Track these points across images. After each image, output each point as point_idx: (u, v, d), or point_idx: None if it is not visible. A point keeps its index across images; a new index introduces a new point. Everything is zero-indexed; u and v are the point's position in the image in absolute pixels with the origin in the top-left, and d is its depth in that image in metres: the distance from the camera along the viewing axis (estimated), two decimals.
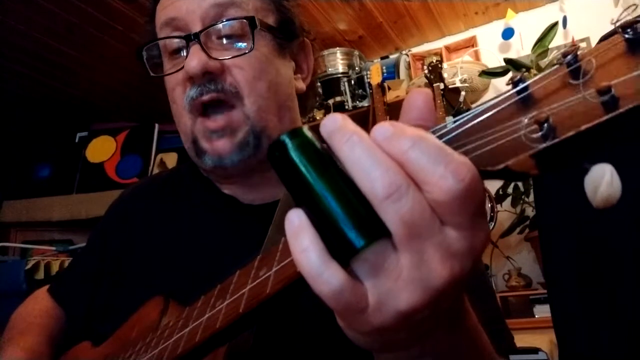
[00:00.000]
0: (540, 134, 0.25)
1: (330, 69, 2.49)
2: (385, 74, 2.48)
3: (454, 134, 0.29)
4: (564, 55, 0.27)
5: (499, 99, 0.29)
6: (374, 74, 2.39)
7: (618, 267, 0.82)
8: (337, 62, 2.51)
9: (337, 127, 0.29)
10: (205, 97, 0.65)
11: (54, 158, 2.69)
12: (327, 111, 2.47)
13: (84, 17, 2.06)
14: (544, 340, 1.70)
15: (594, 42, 2.26)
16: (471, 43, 2.58)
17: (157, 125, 2.62)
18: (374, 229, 0.27)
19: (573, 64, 0.26)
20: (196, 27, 0.65)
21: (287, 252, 0.31)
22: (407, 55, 2.61)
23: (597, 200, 0.24)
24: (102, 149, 2.64)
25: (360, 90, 2.48)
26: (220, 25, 0.66)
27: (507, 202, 2.15)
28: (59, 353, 0.77)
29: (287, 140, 0.29)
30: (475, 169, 0.27)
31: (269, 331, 0.54)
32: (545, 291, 1.89)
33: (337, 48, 2.54)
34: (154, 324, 0.58)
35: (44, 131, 2.79)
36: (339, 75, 2.49)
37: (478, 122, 0.29)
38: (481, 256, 0.34)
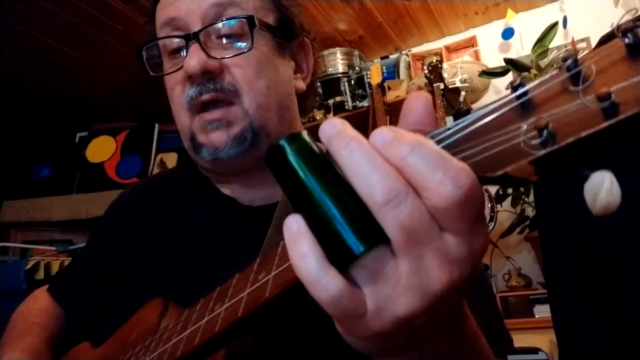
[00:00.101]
0: (539, 140, 0.25)
1: (330, 69, 2.49)
2: (385, 74, 2.47)
3: (453, 139, 0.29)
4: (564, 59, 0.27)
5: (498, 103, 0.28)
6: (374, 74, 2.39)
7: (618, 267, 0.81)
8: (337, 62, 2.50)
9: (336, 132, 0.29)
10: (205, 97, 0.65)
11: (54, 158, 2.69)
12: (327, 111, 2.47)
13: (84, 17, 2.06)
14: (544, 340, 1.70)
15: (593, 42, 2.26)
16: (471, 43, 2.57)
17: (157, 125, 2.62)
18: (373, 235, 0.27)
19: (573, 68, 0.26)
20: (196, 27, 0.65)
21: (286, 256, 0.30)
22: (407, 55, 2.60)
23: (596, 208, 0.24)
24: (102, 149, 2.63)
25: (360, 90, 2.47)
26: (219, 25, 0.66)
27: (507, 202, 2.14)
28: (59, 353, 0.77)
29: (286, 145, 0.29)
30: (474, 175, 0.27)
31: (267, 335, 0.54)
32: (545, 291, 1.88)
33: (337, 48, 2.53)
34: (154, 326, 0.58)
35: (44, 131, 2.78)
36: (339, 75, 2.48)
37: (477, 127, 0.29)
38: (480, 262, 0.34)
